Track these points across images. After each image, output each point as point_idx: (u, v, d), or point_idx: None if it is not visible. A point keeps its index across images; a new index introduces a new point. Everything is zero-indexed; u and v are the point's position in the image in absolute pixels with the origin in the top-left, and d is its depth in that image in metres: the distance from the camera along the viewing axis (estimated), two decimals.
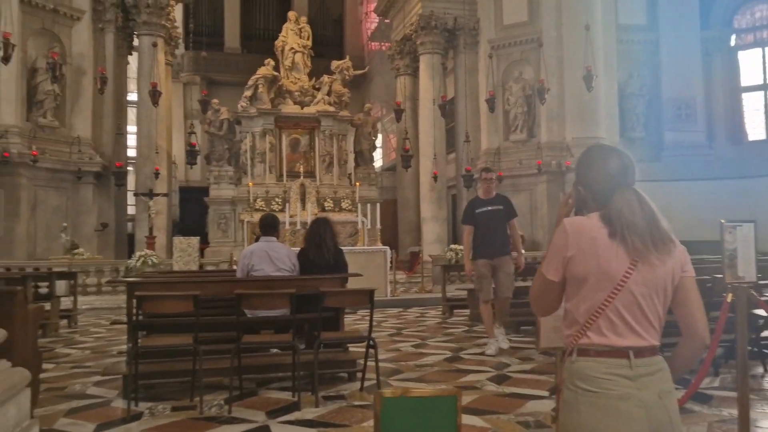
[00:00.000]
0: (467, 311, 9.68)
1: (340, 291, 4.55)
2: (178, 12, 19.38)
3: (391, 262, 12.78)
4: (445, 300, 10.53)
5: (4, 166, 12.69)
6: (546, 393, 4.61)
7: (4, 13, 10.61)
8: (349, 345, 5.43)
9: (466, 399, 4.49)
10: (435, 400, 1.73)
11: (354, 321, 8.63)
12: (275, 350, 5.35)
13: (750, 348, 4.03)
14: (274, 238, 5.51)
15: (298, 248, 5.82)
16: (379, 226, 13.65)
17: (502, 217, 6.52)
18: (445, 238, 17.56)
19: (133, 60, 17.12)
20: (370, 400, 4.52)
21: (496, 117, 16.51)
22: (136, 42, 16.29)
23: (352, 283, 5.41)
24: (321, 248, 5.36)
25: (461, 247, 14.36)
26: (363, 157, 18.37)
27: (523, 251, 6.82)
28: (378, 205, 15.23)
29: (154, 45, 14.49)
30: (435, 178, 17.36)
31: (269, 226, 5.51)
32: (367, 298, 4.52)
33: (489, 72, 15.88)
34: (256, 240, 5.77)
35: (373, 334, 7.83)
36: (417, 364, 5.87)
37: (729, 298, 3.18)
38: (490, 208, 6.50)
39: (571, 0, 15.27)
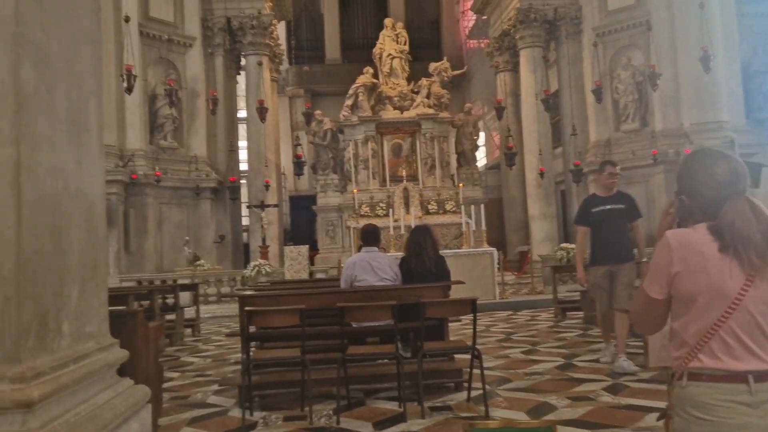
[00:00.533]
0: (581, 313, 9.29)
1: (442, 301, 4.51)
2: (281, 30, 20.21)
3: (498, 263, 12.53)
4: (557, 302, 10.18)
5: (132, 188, 13.84)
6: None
7: (127, 47, 11.55)
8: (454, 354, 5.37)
9: (579, 411, 4.30)
10: None
11: (462, 326, 8.55)
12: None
13: None
14: (376, 248, 5.58)
15: (401, 253, 5.84)
16: (484, 227, 13.43)
17: (623, 217, 5.74)
18: (555, 236, 16.99)
19: (241, 79, 18.06)
20: (477, 411, 4.45)
21: (604, 107, 15.80)
22: (243, 62, 17.17)
23: (457, 290, 5.34)
24: (422, 257, 5.35)
25: (573, 246, 13.84)
26: (465, 158, 18.20)
27: (645, 259, 6.11)
28: (482, 205, 15.01)
29: (260, 64, 15.19)
30: (541, 174, 16.86)
31: (370, 237, 5.59)
32: (469, 308, 4.45)
33: (594, 61, 15.22)
34: (359, 250, 5.86)
35: (481, 340, 7.76)
36: (527, 372, 5.70)
37: None
38: (609, 207, 5.72)
39: None
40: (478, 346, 4.53)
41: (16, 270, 2.06)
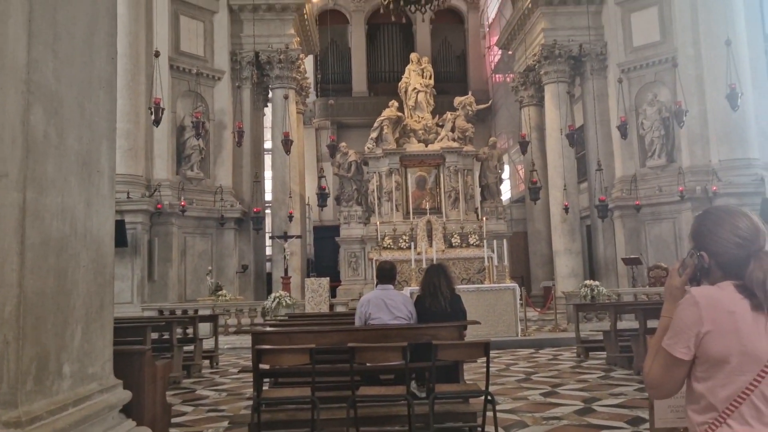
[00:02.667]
0: (603, 354, 9.06)
1: (454, 344, 4.43)
2: (308, 63, 20.59)
3: (521, 299, 12.34)
4: (580, 341, 9.96)
5: (158, 217, 14.04)
6: None
7: (156, 81, 11.85)
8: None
9: None
10: None
11: (480, 365, 8.38)
12: None
13: None
14: (391, 286, 5.53)
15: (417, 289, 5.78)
16: (507, 262, 13.29)
17: None
18: (580, 272, 16.74)
19: (268, 111, 18.36)
20: None
21: (630, 143, 15.67)
22: (270, 95, 17.48)
23: (477, 327, 5.24)
24: (437, 296, 5.28)
25: (596, 282, 13.57)
26: (489, 191, 18.13)
27: None
28: (505, 240, 14.88)
29: (286, 97, 15.46)
30: (566, 209, 16.70)
31: (386, 275, 5.54)
32: (482, 350, 4.36)
33: (619, 97, 15.13)
34: (376, 286, 5.82)
35: (501, 379, 7.61)
36: (544, 417, 5.54)
37: None
38: None
39: (709, 14, 14.21)
40: (496, 386, 4.45)
41: (17, 312, 2.08)
